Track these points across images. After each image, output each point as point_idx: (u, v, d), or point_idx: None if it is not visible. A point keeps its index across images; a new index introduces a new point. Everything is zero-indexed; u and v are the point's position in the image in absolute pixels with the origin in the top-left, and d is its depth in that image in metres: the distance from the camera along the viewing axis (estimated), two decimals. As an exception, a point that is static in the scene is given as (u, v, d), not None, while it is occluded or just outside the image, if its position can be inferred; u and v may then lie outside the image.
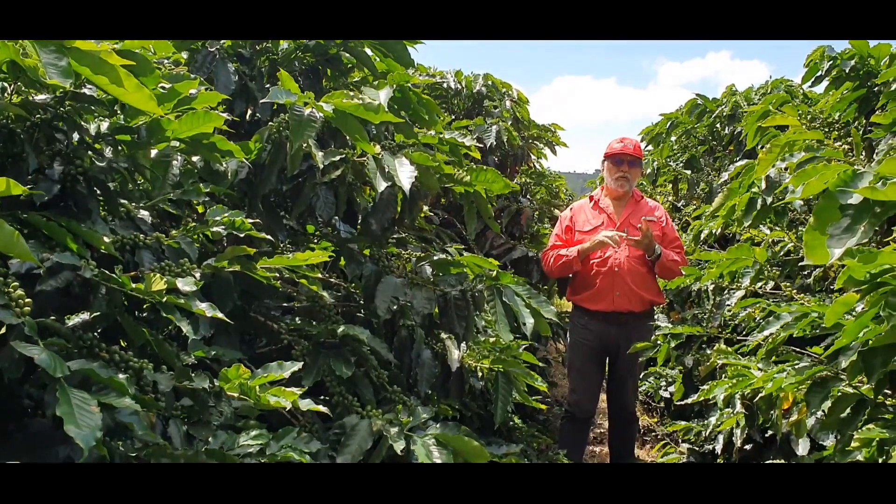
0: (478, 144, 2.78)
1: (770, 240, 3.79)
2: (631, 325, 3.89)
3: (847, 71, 3.42)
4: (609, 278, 3.84)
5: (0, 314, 1.31)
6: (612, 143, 4.06)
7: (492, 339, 3.10)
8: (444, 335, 2.76)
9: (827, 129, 3.42)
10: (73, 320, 1.61)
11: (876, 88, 3.35)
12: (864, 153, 2.95)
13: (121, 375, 1.37)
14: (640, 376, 5.16)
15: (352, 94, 2.19)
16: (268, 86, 2.66)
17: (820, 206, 1.48)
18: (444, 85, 5.52)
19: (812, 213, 1.49)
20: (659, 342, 3.79)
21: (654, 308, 4.18)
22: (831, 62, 3.52)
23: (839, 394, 2.24)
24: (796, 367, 2.47)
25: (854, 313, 1.99)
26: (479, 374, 2.92)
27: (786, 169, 2.84)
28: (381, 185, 2.27)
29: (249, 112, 2.67)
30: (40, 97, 1.67)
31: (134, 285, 1.50)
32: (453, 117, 5.33)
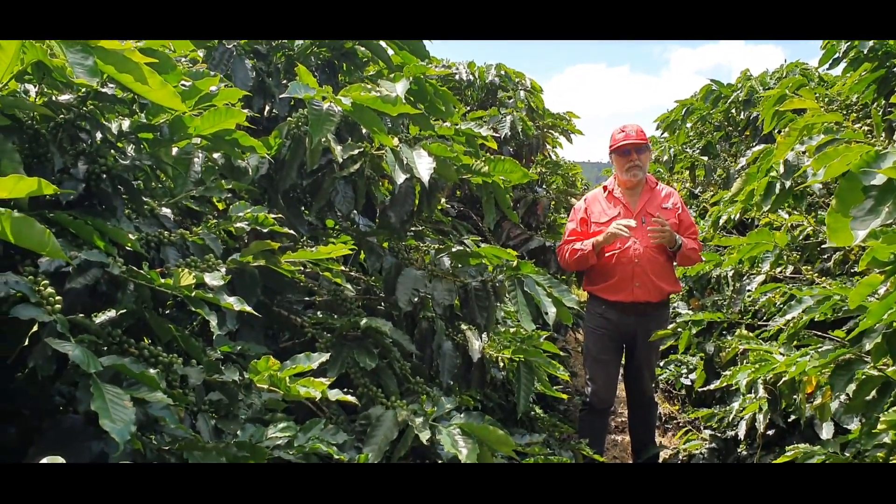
0: (494, 134, 2.78)
1: (789, 224, 3.77)
2: (649, 314, 3.87)
3: (865, 52, 3.40)
4: (628, 269, 3.80)
5: (33, 312, 1.32)
6: (614, 135, 3.98)
7: (512, 330, 3.11)
8: (464, 326, 2.77)
9: (845, 112, 3.40)
10: (100, 318, 1.63)
11: (895, 69, 3.33)
12: (884, 134, 2.93)
13: (151, 370, 1.39)
14: (661, 364, 5.16)
15: (369, 87, 2.20)
16: (284, 81, 2.67)
17: (842, 188, 1.47)
18: (457, 76, 5.52)
19: (834, 195, 1.49)
20: (679, 329, 3.79)
21: (672, 297, 4.16)
22: (849, 43, 3.49)
23: (864, 376, 2.23)
24: (819, 350, 2.47)
25: (878, 295, 1.98)
26: (501, 364, 2.92)
27: (804, 152, 2.83)
28: (400, 178, 2.28)
29: (267, 108, 2.68)
30: (63, 97, 1.69)
31: (162, 281, 1.52)
32: (468, 108, 5.33)
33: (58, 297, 1.39)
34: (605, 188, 4.05)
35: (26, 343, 1.36)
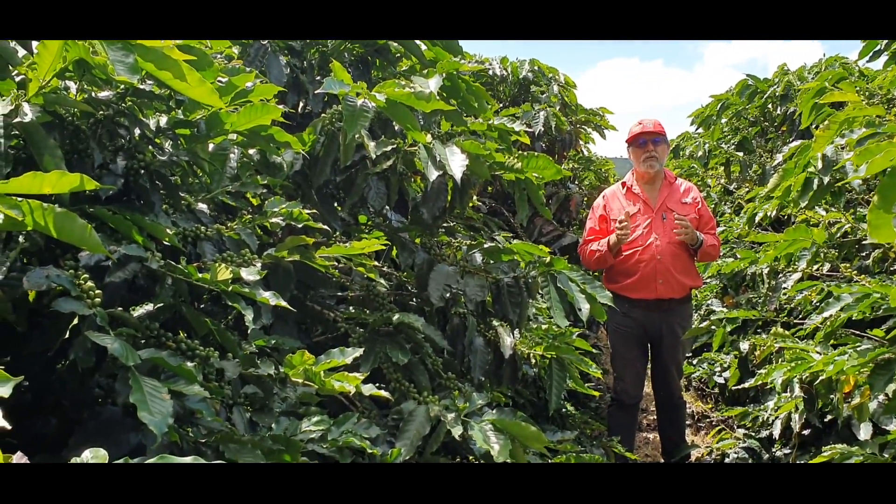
0: (526, 130, 2.77)
1: (827, 221, 3.71)
2: (673, 310, 3.83)
3: (908, 45, 3.33)
4: (651, 267, 3.76)
5: (73, 305, 1.35)
6: (631, 128, 3.96)
7: (544, 327, 3.10)
8: (496, 322, 2.76)
9: (887, 105, 3.33)
10: (138, 311, 1.65)
11: (938, 62, 3.26)
12: (926, 130, 2.86)
13: (188, 364, 1.40)
14: (694, 362, 5.11)
15: (402, 83, 2.20)
16: (318, 78, 2.69)
17: (885, 184, 1.45)
18: (490, 72, 5.51)
19: (876, 191, 1.46)
20: (713, 327, 3.75)
21: (694, 292, 4.11)
22: (890, 37, 3.42)
23: (904, 376, 2.19)
24: (857, 349, 2.43)
25: (920, 294, 1.94)
26: (532, 361, 2.92)
27: (843, 147, 2.79)
28: (433, 174, 2.28)
29: (301, 104, 2.70)
30: (103, 94, 1.72)
31: (200, 275, 1.54)
32: (500, 104, 5.32)
33: (97, 291, 1.41)
34: (623, 184, 4.01)
35: (67, 336, 1.38)
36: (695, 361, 5.15)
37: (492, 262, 2.68)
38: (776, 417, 3.32)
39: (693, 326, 3.94)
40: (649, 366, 4.13)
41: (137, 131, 1.78)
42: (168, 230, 1.69)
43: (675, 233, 3.67)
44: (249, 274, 1.57)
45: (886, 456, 2.51)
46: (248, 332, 1.74)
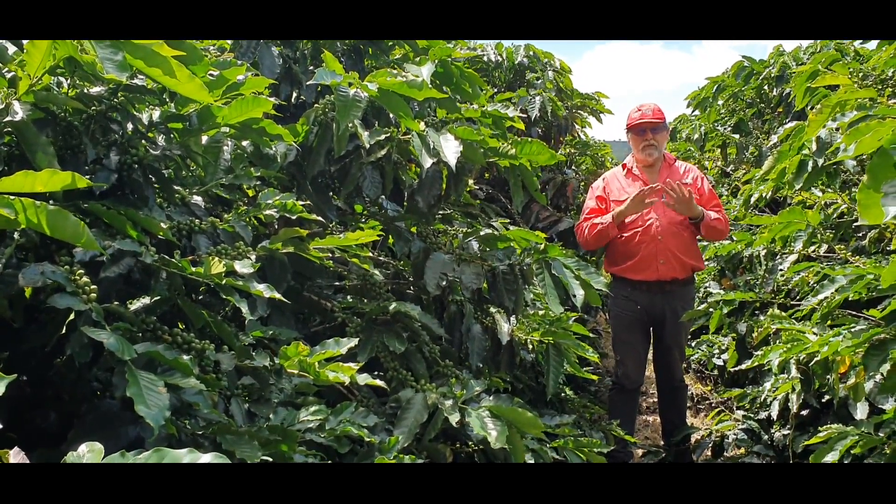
0: (521, 115, 2.77)
1: (822, 202, 3.72)
2: (676, 292, 3.84)
3: (901, 25, 3.31)
4: (652, 247, 3.76)
5: (69, 301, 1.36)
6: (630, 114, 3.93)
7: (541, 312, 3.12)
8: (493, 309, 2.77)
9: (880, 87, 3.32)
10: (135, 305, 1.67)
11: (932, 42, 3.25)
12: (919, 109, 2.86)
13: (184, 356, 1.42)
14: (692, 344, 5.12)
15: (395, 72, 2.20)
16: (311, 68, 2.69)
17: (874, 164, 1.45)
18: (485, 58, 5.49)
19: (866, 171, 1.47)
20: (711, 309, 3.76)
21: (696, 274, 4.11)
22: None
23: (898, 356, 2.21)
24: (853, 330, 2.44)
25: (912, 273, 1.95)
26: (530, 346, 2.93)
27: (837, 129, 2.79)
28: (427, 162, 2.28)
29: (294, 95, 2.70)
30: (95, 89, 1.72)
31: (193, 269, 1.55)
32: (495, 90, 5.31)
33: (93, 286, 1.42)
34: (623, 166, 4.01)
35: (63, 331, 1.39)
36: (693, 344, 5.17)
37: (488, 249, 2.69)
38: (774, 398, 3.34)
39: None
40: (650, 349, 4.15)
41: (130, 126, 1.79)
42: (162, 224, 1.69)
43: (665, 202, 3.64)
44: (243, 267, 1.58)
45: (881, 435, 2.53)
46: (246, 323, 1.75)
